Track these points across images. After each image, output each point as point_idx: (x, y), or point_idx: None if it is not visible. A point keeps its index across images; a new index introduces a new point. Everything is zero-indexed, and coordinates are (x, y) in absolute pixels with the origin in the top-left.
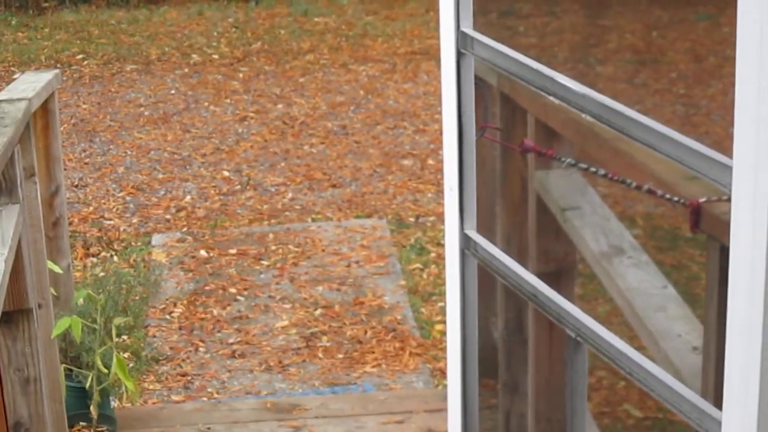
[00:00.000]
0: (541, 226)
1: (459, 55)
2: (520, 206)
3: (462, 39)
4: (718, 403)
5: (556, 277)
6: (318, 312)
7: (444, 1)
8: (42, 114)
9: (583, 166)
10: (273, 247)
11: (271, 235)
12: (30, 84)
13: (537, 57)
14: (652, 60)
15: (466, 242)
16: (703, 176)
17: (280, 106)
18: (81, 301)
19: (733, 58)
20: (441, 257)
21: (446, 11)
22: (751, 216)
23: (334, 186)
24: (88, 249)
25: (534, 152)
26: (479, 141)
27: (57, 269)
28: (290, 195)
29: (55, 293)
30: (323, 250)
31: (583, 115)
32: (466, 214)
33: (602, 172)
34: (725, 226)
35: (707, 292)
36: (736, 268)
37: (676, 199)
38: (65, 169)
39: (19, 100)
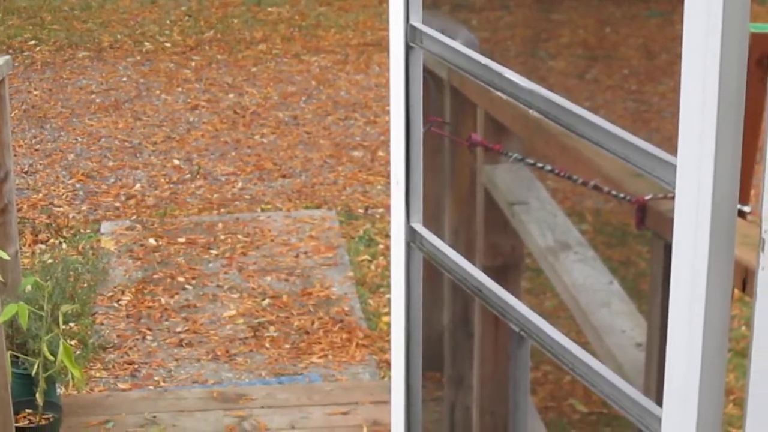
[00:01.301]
0: (489, 220)
1: (408, 49)
2: (468, 200)
3: (411, 32)
4: (659, 399)
5: (503, 272)
6: (266, 302)
7: None
8: None
9: (530, 161)
10: (222, 237)
11: (220, 225)
12: None
13: (489, 50)
14: (604, 56)
15: (411, 235)
16: (648, 174)
17: (231, 95)
18: (28, 287)
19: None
20: (389, 249)
21: (395, 4)
22: (694, 215)
23: (284, 176)
24: (36, 236)
25: (481, 147)
26: (427, 134)
27: (4, 256)
28: (240, 185)
29: (2, 280)
30: (272, 241)
31: (531, 112)
32: (413, 208)
33: (549, 167)
34: (670, 223)
35: (651, 289)
36: (678, 267)
37: (622, 195)
38: (15, 155)
39: None
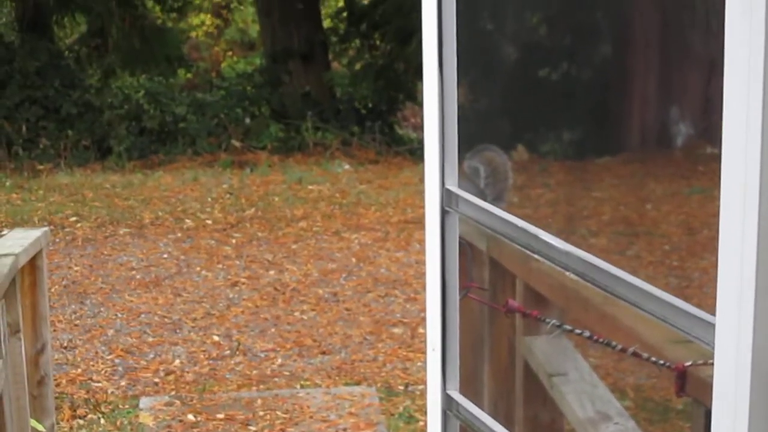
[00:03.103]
0: (528, 391)
1: (443, 213)
2: (507, 371)
3: (447, 196)
4: None
5: None
6: None
7: (429, 159)
8: (29, 271)
9: (568, 327)
10: (261, 413)
11: (259, 401)
12: (17, 240)
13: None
14: (645, 232)
15: (448, 403)
16: (686, 334)
17: (272, 272)
18: None
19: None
20: None
21: (431, 169)
22: (734, 375)
23: (323, 353)
24: (75, 410)
25: (519, 313)
26: (464, 301)
27: (40, 428)
28: (279, 361)
29: None
30: (311, 417)
31: (568, 274)
32: (449, 374)
33: (587, 334)
34: (710, 390)
35: None
36: (718, 425)
37: (661, 362)
38: (54, 330)
39: (5, 255)
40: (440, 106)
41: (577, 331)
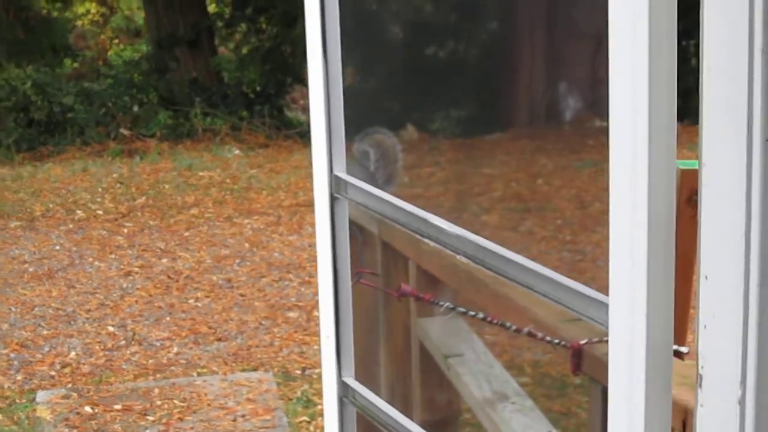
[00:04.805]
0: (425, 373)
1: (332, 200)
2: (403, 354)
3: (335, 183)
4: None
5: (442, 426)
6: None
7: (316, 145)
8: None
9: (462, 309)
10: (158, 402)
11: (156, 390)
12: None
13: (422, 207)
14: (537, 207)
15: (344, 390)
16: (580, 315)
17: (164, 260)
18: None
19: None
20: None
21: (319, 155)
22: (629, 353)
23: (219, 339)
24: None
25: (412, 297)
26: (358, 286)
27: None
28: (176, 349)
29: None
30: (209, 405)
31: (458, 257)
32: (344, 362)
33: (481, 315)
34: (606, 367)
35: None
36: (615, 405)
37: (556, 341)
38: None
39: None
40: (326, 92)
41: (471, 312)
